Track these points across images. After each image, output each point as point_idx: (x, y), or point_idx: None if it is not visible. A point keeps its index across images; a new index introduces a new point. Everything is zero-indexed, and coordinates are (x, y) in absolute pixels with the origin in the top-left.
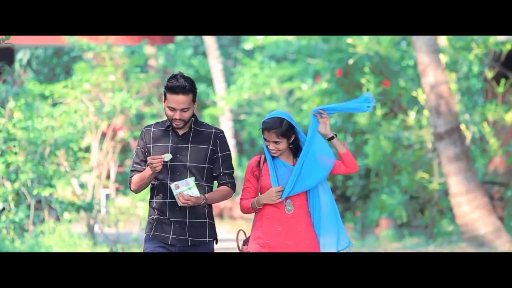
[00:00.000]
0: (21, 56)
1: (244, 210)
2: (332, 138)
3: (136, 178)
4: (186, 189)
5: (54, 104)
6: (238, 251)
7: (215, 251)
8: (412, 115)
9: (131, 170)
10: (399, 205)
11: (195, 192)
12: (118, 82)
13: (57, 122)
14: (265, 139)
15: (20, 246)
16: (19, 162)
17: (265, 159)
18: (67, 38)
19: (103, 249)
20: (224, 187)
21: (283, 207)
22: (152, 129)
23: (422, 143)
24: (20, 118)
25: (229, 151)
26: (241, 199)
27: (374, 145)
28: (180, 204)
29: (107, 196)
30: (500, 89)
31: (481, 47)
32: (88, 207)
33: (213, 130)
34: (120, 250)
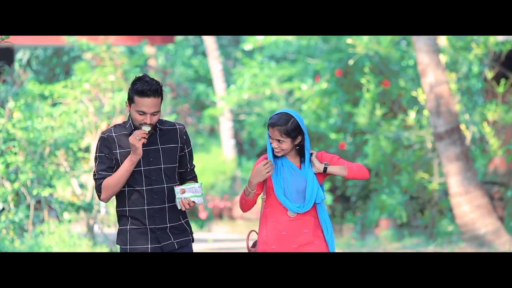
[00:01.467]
0: (21, 56)
1: (241, 204)
2: (325, 170)
3: (110, 180)
4: (192, 196)
5: (54, 104)
6: (246, 250)
7: (214, 251)
8: (412, 115)
9: (96, 179)
10: (399, 205)
11: (200, 200)
12: (117, 82)
13: (57, 122)
14: (269, 136)
15: (19, 246)
16: (19, 162)
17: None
18: (67, 38)
19: (103, 249)
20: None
21: (286, 210)
22: (114, 134)
23: (422, 143)
24: (19, 118)
25: (191, 145)
26: (240, 198)
27: (374, 145)
28: (180, 208)
29: None
30: (500, 89)
31: (481, 47)
32: (88, 207)
33: (177, 127)
34: (119, 250)
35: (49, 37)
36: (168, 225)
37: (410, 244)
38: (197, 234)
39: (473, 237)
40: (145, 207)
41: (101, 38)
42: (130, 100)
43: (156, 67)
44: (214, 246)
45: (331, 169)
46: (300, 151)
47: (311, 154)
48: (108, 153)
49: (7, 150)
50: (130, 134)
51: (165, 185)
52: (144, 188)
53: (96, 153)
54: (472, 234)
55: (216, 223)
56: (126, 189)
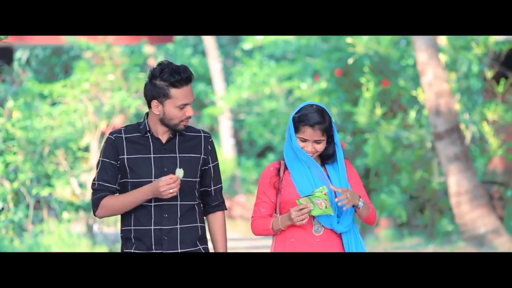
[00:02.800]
0: (20, 55)
1: (259, 231)
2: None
3: (112, 202)
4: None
5: (53, 104)
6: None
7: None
8: (411, 114)
9: (95, 189)
10: (398, 204)
11: None
12: (117, 82)
13: (56, 122)
14: (301, 140)
15: (19, 246)
16: (18, 161)
17: (285, 167)
18: (66, 37)
19: (102, 249)
20: (220, 216)
21: (310, 227)
22: (124, 135)
23: (422, 142)
24: (19, 118)
25: (217, 160)
26: (253, 217)
27: (373, 144)
28: None
29: None
30: (500, 89)
31: (481, 46)
32: (87, 207)
33: (202, 134)
34: (119, 250)
35: (48, 36)
36: (180, 250)
37: (410, 244)
38: None
39: (473, 236)
40: (152, 227)
41: (100, 37)
42: (163, 97)
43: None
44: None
45: (360, 209)
46: (326, 150)
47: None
48: (114, 159)
49: (7, 149)
50: (144, 136)
51: (179, 203)
52: (153, 204)
53: (99, 156)
54: (471, 234)
55: None
56: None
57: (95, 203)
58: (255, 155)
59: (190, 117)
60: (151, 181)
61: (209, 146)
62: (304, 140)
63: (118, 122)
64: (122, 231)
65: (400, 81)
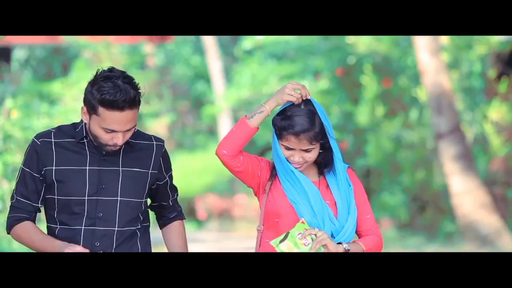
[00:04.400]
0: (19, 54)
1: (226, 138)
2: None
3: (23, 235)
4: None
5: (52, 103)
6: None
7: (214, 251)
8: (413, 114)
9: (12, 206)
10: (400, 205)
11: None
12: None
13: (55, 121)
14: (286, 148)
15: (17, 246)
16: (17, 161)
17: (276, 172)
18: (65, 36)
19: None
20: (178, 225)
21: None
22: (53, 140)
23: (423, 142)
24: (17, 117)
25: (171, 169)
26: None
27: (374, 144)
28: None
29: None
30: (502, 88)
31: (483, 46)
32: None
33: (154, 143)
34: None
35: (46, 35)
36: None
37: (412, 244)
38: (195, 234)
39: (475, 237)
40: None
41: (99, 36)
42: (91, 109)
43: (155, 66)
44: (213, 246)
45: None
46: (320, 158)
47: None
48: (37, 170)
49: (5, 149)
50: (80, 142)
51: (116, 229)
52: (83, 227)
53: (22, 162)
54: (474, 234)
55: (215, 223)
56: (58, 226)
57: (9, 225)
58: (257, 153)
59: (118, 146)
60: (83, 200)
61: (161, 158)
62: (290, 149)
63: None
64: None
65: (401, 80)
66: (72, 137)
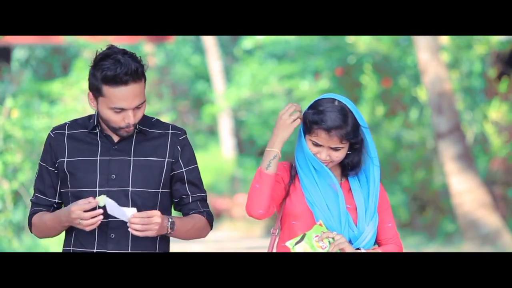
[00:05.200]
0: (19, 54)
1: (251, 196)
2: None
3: (38, 221)
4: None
5: (52, 102)
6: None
7: (215, 251)
8: (413, 114)
9: (32, 202)
10: (400, 205)
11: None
12: None
13: (55, 121)
14: (314, 144)
15: (18, 246)
16: (17, 161)
17: (296, 171)
18: (65, 36)
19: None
20: (198, 216)
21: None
22: (66, 131)
23: (423, 142)
24: (18, 117)
25: (196, 162)
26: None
27: (375, 144)
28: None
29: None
30: (502, 88)
31: (483, 45)
32: None
33: (170, 131)
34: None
35: (46, 35)
36: None
37: (412, 244)
38: None
39: (475, 236)
40: (94, 251)
41: (98, 36)
42: (96, 91)
43: (155, 65)
44: (214, 246)
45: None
46: (347, 159)
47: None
48: (51, 164)
49: (6, 149)
50: (91, 132)
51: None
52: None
53: (40, 157)
54: (474, 234)
55: (216, 223)
56: None
57: (29, 221)
58: (255, 155)
59: (132, 125)
60: (94, 192)
61: (178, 147)
62: (318, 145)
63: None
64: (63, 251)
65: (401, 80)
66: (85, 127)
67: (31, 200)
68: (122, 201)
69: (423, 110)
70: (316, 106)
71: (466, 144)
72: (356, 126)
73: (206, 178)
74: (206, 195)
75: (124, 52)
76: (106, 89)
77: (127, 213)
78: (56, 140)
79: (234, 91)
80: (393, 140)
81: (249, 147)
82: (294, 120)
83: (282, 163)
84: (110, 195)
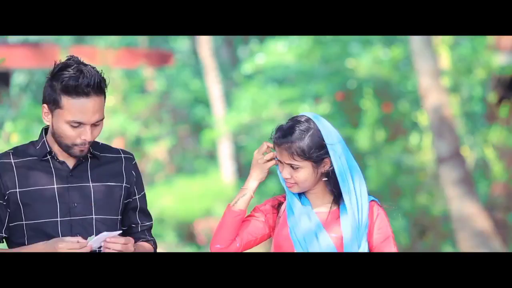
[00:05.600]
0: (18, 79)
1: (217, 229)
2: None
3: None
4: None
5: None
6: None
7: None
8: (414, 138)
9: None
10: (401, 229)
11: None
12: (116, 105)
13: None
14: (278, 160)
15: None
16: None
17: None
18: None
19: None
20: (148, 245)
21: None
22: (13, 160)
23: (424, 167)
24: (17, 142)
25: (144, 189)
26: None
27: (375, 169)
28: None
29: None
30: (503, 113)
31: (484, 70)
32: None
33: (122, 155)
34: None
35: (46, 60)
36: None
37: None
38: None
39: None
40: None
41: (98, 60)
42: (53, 103)
43: (155, 90)
44: None
45: None
46: (330, 187)
47: None
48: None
49: None
50: (43, 160)
51: (97, 250)
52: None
53: None
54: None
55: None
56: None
57: None
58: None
59: (87, 143)
60: (56, 222)
61: (133, 172)
62: (279, 162)
63: (119, 145)
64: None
65: (401, 104)
66: (33, 155)
67: None
68: (87, 230)
69: (424, 135)
70: (286, 123)
71: (466, 169)
72: (318, 144)
73: (206, 203)
74: (152, 223)
75: (85, 64)
76: (66, 100)
77: (109, 234)
78: (3, 170)
79: (234, 115)
80: (394, 165)
81: (248, 172)
82: (268, 161)
83: (272, 199)
84: (73, 224)
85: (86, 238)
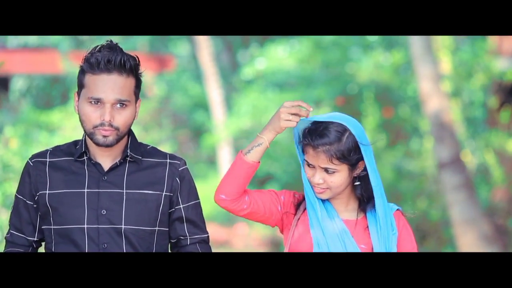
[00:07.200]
0: (17, 84)
1: (224, 180)
2: None
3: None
4: None
5: (51, 132)
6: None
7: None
8: (414, 143)
9: (6, 240)
10: None
11: None
12: None
13: None
14: (308, 165)
15: None
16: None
17: (305, 206)
18: (63, 66)
19: None
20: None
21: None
22: (48, 159)
23: (424, 172)
24: (17, 147)
25: (198, 198)
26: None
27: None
28: None
29: None
30: (504, 118)
31: (485, 75)
32: None
33: (168, 160)
34: None
35: (45, 65)
36: None
37: None
38: None
39: None
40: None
41: None
42: (79, 86)
43: (155, 95)
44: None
45: None
46: (359, 192)
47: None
48: (30, 197)
49: (4, 179)
50: (77, 160)
51: None
52: None
53: (17, 189)
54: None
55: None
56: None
57: None
58: (255, 184)
59: (108, 125)
60: (83, 229)
61: (177, 179)
62: (311, 166)
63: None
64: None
65: (402, 109)
66: (71, 154)
67: (5, 237)
68: (115, 241)
69: (424, 140)
70: (314, 122)
71: (467, 174)
72: (355, 147)
73: (206, 208)
74: (208, 236)
75: (117, 46)
76: (88, 77)
77: None
78: (36, 170)
79: (234, 121)
80: (394, 170)
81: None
82: (289, 121)
83: (294, 194)
84: (100, 232)
85: (113, 249)
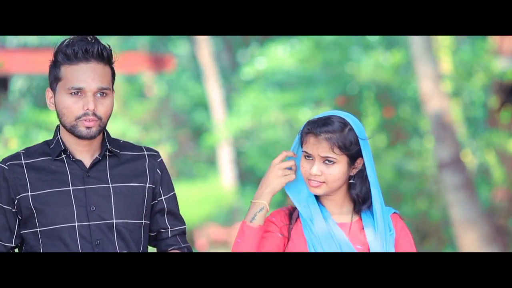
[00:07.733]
0: (17, 84)
1: (234, 246)
2: None
3: None
4: None
5: (51, 132)
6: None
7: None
8: (414, 143)
9: None
10: None
11: None
12: (116, 110)
13: None
14: (306, 156)
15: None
16: None
17: (298, 214)
18: None
19: None
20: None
21: None
22: (24, 161)
23: (425, 172)
24: (16, 146)
25: (174, 189)
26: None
27: (377, 174)
28: None
29: None
30: (504, 118)
31: (485, 75)
32: None
33: (145, 153)
34: None
35: (45, 65)
36: None
37: None
38: None
39: None
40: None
41: None
42: (55, 79)
43: (155, 95)
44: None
45: None
46: (355, 193)
47: None
48: (7, 202)
49: None
50: (57, 159)
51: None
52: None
53: None
54: None
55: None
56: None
57: None
58: (255, 185)
59: (91, 115)
60: (74, 227)
61: (158, 170)
62: (309, 158)
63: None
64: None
65: (403, 109)
66: (46, 154)
67: None
68: (108, 236)
69: (425, 140)
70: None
71: (467, 174)
72: (356, 142)
73: (206, 208)
74: (185, 227)
75: (96, 38)
76: (64, 68)
77: None
78: (13, 173)
79: (234, 120)
80: (394, 170)
81: (248, 177)
82: (286, 175)
83: (282, 209)
84: (92, 229)
85: (106, 245)
